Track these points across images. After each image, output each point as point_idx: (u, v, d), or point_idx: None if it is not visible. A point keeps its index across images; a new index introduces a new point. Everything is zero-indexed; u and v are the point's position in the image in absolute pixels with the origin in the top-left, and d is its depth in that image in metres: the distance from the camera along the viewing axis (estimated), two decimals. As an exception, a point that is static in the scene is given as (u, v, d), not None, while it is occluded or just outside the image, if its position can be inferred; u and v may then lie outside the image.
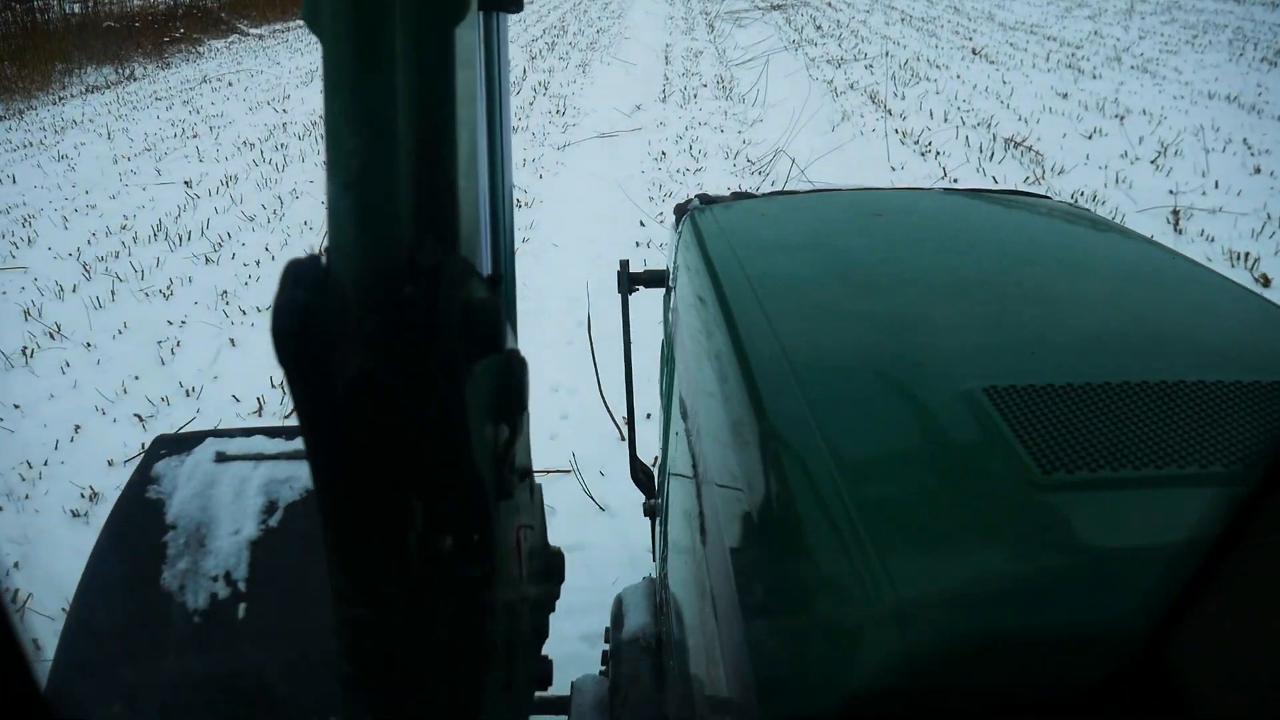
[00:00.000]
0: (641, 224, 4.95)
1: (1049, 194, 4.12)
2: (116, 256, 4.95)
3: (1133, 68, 8.72)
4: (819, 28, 12.25)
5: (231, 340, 3.89)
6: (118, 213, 5.71)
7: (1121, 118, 6.77)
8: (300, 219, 5.37)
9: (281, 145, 7.25)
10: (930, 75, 8.63)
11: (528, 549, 0.76)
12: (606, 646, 1.33)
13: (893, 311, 0.84)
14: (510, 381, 0.55)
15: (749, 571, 0.64)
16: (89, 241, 5.20)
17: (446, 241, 0.48)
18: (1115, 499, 0.55)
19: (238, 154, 7.07)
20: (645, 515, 1.65)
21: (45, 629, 2.25)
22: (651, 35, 12.22)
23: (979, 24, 12.24)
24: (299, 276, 0.43)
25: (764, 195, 1.38)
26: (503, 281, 0.95)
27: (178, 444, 1.32)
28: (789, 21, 13.03)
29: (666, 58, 10.46)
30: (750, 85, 8.45)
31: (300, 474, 1.25)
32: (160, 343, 3.89)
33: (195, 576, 1.11)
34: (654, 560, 1.44)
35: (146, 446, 1.35)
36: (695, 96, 8.27)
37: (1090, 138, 6.30)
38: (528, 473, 0.76)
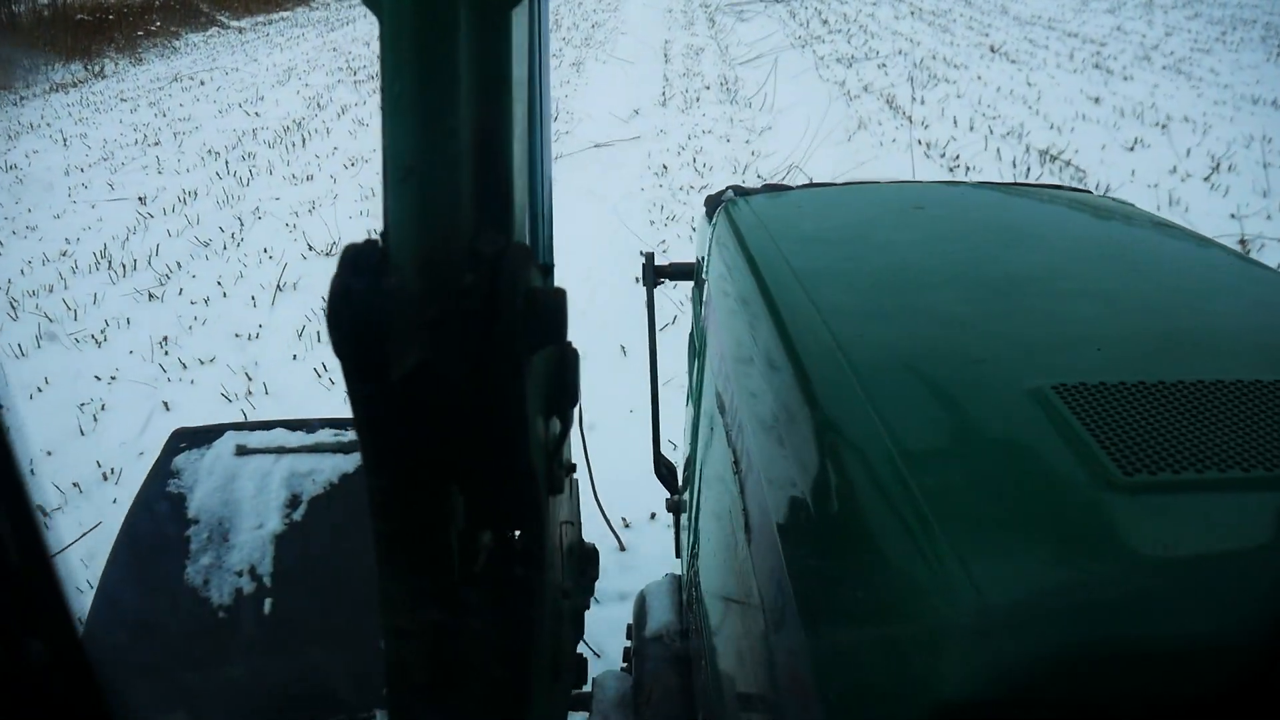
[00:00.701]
0: (641, 254, 4.39)
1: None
2: (50, 290, 4.39)
3: (1165, 68, 8.16)
4: (825, 22, 11.66)
5: (165, 403, 3.34)
6: (60, 235, 5.14)
7: (1163, 126, 6.22)
8: (260, 245, 4.81)
9: (249, 154, 6.67)
10: (949, 76, 8.07)
11: (567, 546, 0.78)
12: (629, 644, 1.28)
13: (947, 306, 0.81)
14: (564, 375, 0.55)
15: (807, 571, 0.61)
16: (22, 272, 4.64)
17: (504, 228, 0.47)
18: (1203, 501, 0.53)
19: (200, 164, 6.50)
20: (669, 511, 1.57)
21: None
22: (650, 30, 11.62)
23: (993, 18, 11.67)
24: (356, 262, 0.41)
25: (799, 187, 1.31)
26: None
27: (197, 437, 1.28)
28: (793, 15, 12.44)
29: (666, 55, 9.87)
30: (757, 87, 7.88)
31: (323, 467, 1.22)
32: (83, 406, 3.34)
33: (219, 571, 1.09)
34: (678, 557, 1.38)
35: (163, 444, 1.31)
36: (698, 100, 7.70)
37: (1132, 149, 5.75)
38: (573, 468, 0.80)
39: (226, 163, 6.48)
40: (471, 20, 0.43)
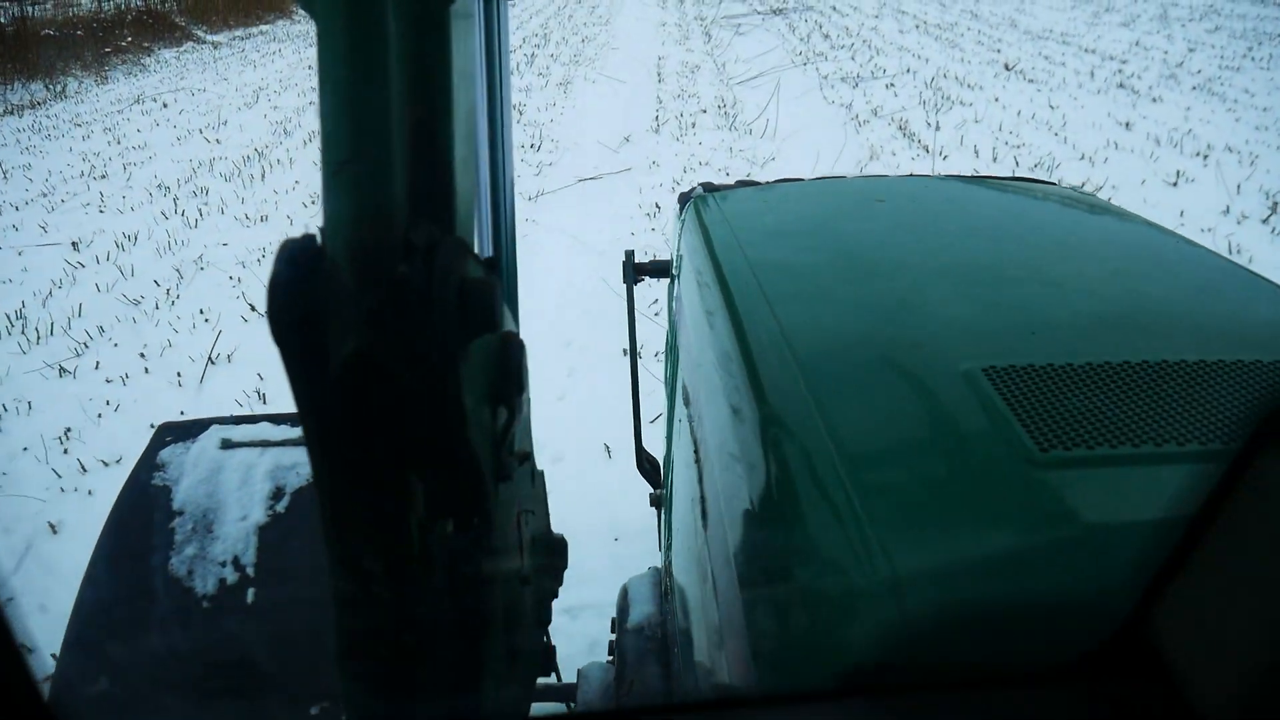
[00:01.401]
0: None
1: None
2: (-51, 363, 3.79)
3: (1195, 88, 7.61)
4: (827, 36, 11.12)
5: (51, 525, 2.74)
6: (-26, 291, 4.55)
7: (1204, 156, 5.66)
8: (197, 304, 4.21)
9: (201, 189, 6.08)
10: (964, 98, 7.50)
11: (529, 534, 0.78)
12: (613, 636, 1.31)
13: (894, 295, 0.83)
14: (508, 364, 0.56)
15: (748, 550, 0.64)
16: (-79, 338, 4.04)
17: (442, 222, 0.49)
18: (1111, 475, 0.55)
19: (148, 201, 5.90)
20: (651, 505, 1.60)
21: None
22: (642, 45, 11.06)
23: (1003, 32, 11.13)
24: (293, 255, 0.43)
25: (768, 183, 1.32)
26: (503, 264, 0.92)
27: (183, 431, 1.29)
28: (793, 29, 11.89)
29: (659, 73, 9.30)
30: (758, 110, 7.31)
31: (306, 459, 0.97)
32: (-49, 528, 2.74)
33: (203, 562, 1.11)
34: (660, 550, 1.41)
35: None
36: (694, 125, 7.12)
37: (1175, 185, 5.19)
38: (527, 457, 0.77)
39: (175, 200, 5.89)
40: (406, 17, 0.43)
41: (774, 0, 14.75)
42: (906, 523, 0.53)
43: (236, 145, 7.20)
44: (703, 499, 0.81)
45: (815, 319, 0.79)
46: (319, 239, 0.43)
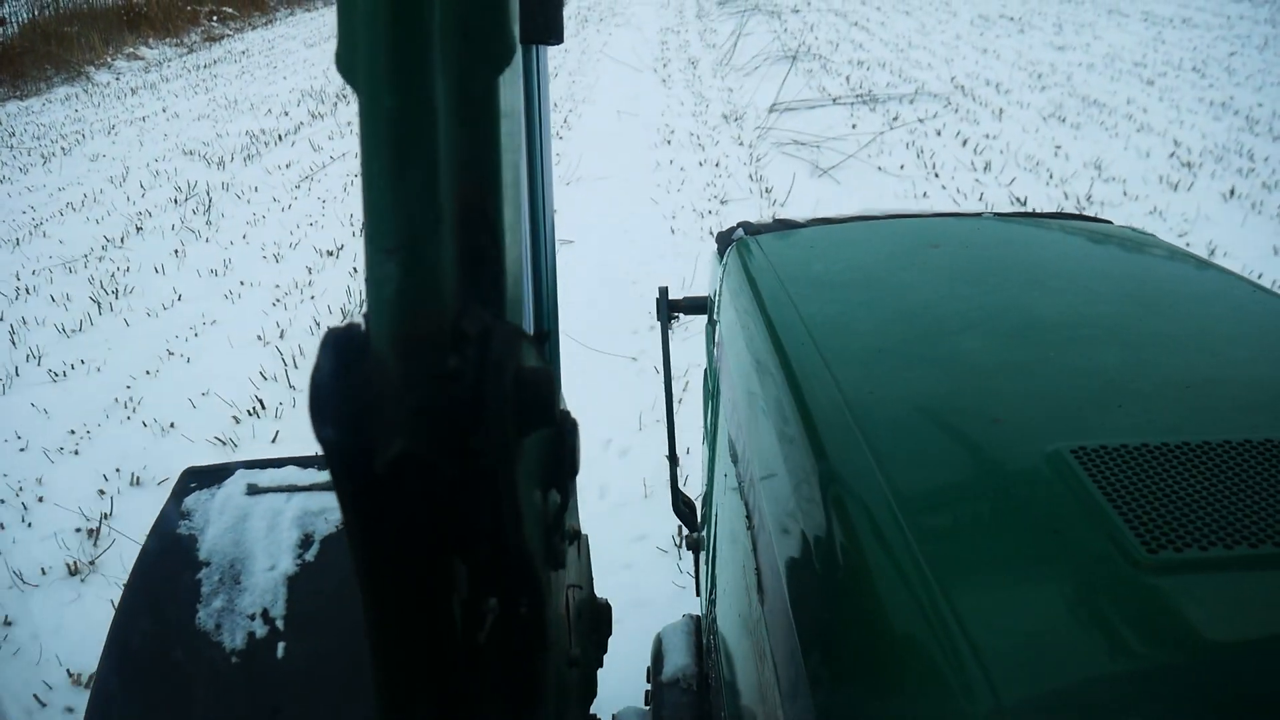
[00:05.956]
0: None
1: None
2: None
3: None
4: (1018, 201, 5.47)
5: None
6: None
7: None
8: None
9: None
10: None
11: (575, 607, 0.75)
12: (649, 687, 1.29)
13: (962, 357, 0.77)
14: (561, 446, 0.54)
15: (820, 651, 0.59)
16: None
17: (493, 305, 0.46)
18: (1233, 582, 0.49)
19: None
20: (688, 549, 1.55)
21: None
22: (637, 176, 5.51)
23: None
24: (338, 347, 0.41)
25: (809, 223, 1.26)
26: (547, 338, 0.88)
27: (208, 476, 1.25)
28: (932, 168, 6.20)
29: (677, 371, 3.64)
30: None
31: (334, 505, 1.18)
32: None
33: (231, 615, 1.07)
34: (698, 597, 1.39)
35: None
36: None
37: None
38: (576, 535, 0.76)
39: None
40: (454, 88, 0.41)
41: (864, 76, 8.14)
42: (1006, 641, 0.46)
43: None
44: (758, 570, 0.75)
45: (877, 385, 0.72)
46: (364, 327, 0.40)
